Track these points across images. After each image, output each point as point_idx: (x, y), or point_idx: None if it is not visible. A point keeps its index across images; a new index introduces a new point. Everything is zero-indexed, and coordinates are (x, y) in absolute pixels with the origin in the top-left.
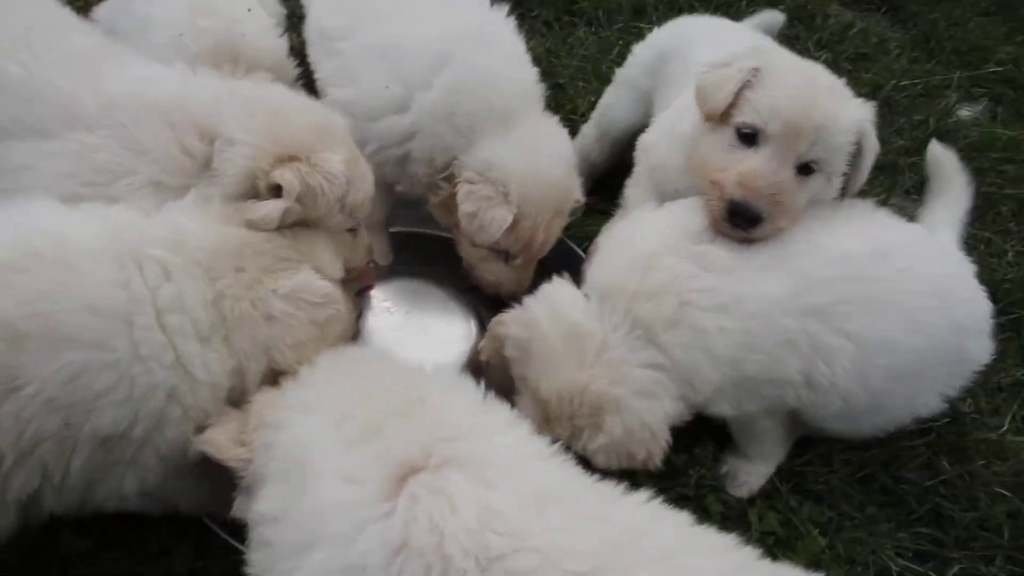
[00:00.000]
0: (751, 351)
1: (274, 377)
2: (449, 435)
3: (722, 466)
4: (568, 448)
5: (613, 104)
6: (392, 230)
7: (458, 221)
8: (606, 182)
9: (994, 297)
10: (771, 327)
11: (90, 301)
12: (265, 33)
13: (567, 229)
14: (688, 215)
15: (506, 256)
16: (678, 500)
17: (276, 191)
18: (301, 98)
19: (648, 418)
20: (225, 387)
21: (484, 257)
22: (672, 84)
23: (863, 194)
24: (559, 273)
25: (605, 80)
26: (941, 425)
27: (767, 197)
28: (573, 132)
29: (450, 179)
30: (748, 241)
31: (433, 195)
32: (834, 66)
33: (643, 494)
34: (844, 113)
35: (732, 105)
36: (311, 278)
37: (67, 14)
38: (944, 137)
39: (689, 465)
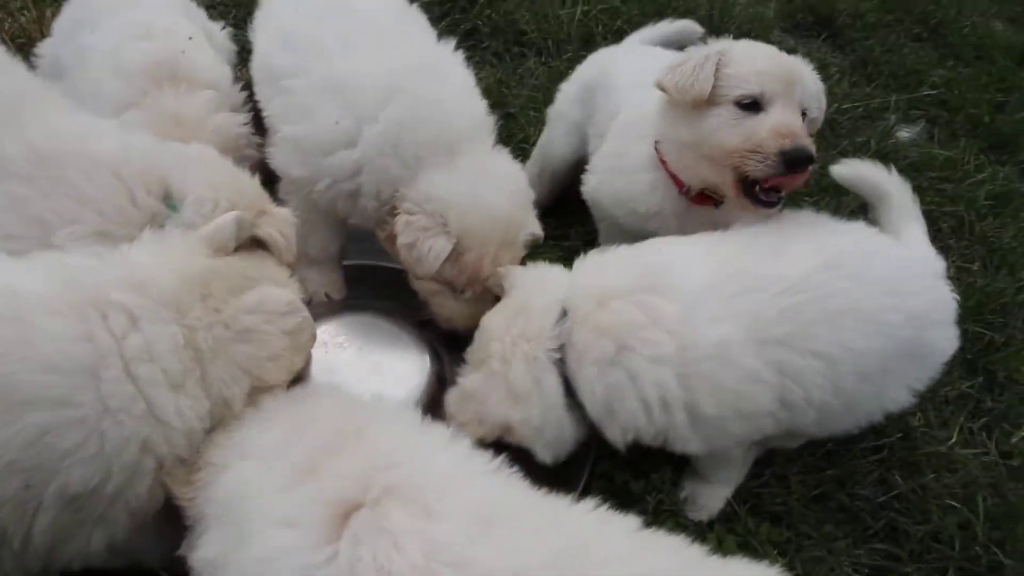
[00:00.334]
0: (706, 394)
1: None
2: (385, 463)
3: (681, 490)
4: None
5: (549, 141)
6: (346, 263)
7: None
8: (552, 212)
9: None
10: (729, 368)
11: (49, 359)
12: (206, 54)
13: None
14: (653, 259)
15: (458, 289)
16: None
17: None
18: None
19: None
20: (201, 431)
21: (435, 291)
22: (601, 111)
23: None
24: None
25: None
26: (893, 441)
27: (805, 139)
28: (524, 161)
29: (394, 212)
30: (774, 207)
31: (380, 230)
32: None
33: (589, 502)
34: (805, 66)
35: (714, 87)
36: (271, 289)
37: None
38: (885, 158)
39: (646, 491)
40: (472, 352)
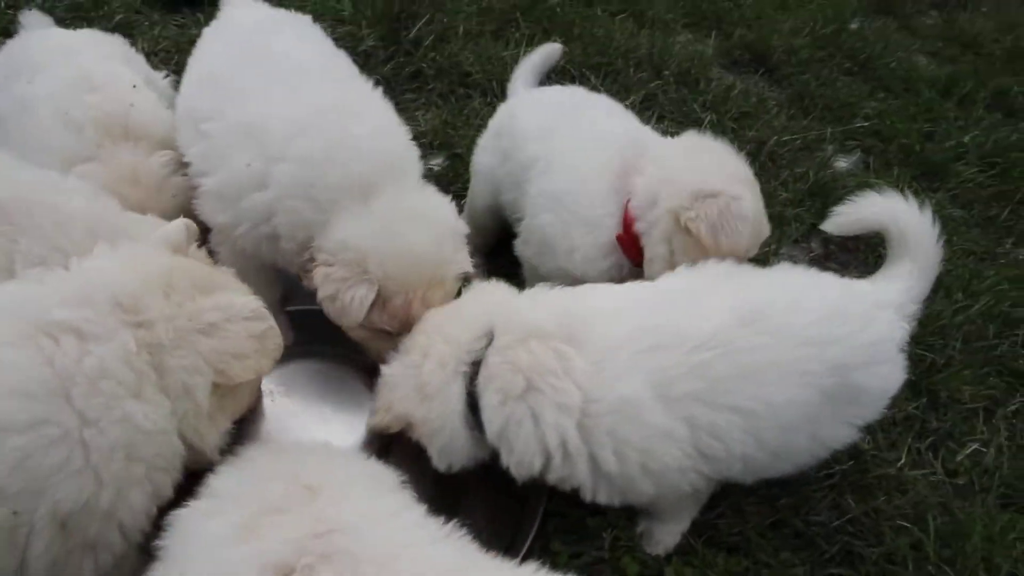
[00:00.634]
0: (607, 449)
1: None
2: (325, 530)
3: (638, 525)
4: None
5: (474, 195)
6: (289, 309)
7: None
8: (498, 251)
9: None
10: (633, 424)
11: (16, 386)
12: (153, 105)
13: None
14: (578, 307)
15: (393, 334)
16: (594, 563)
17: None
18: None
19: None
20: (172, 430)
21: (371, 337)
22: (509, 159)
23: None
24: None
25: None
26: (844, 466)
27: None
28: None
29: (313, 262)
30: None
31: (305, 280)
32: (719, 125)
33: (530, 567)
34: None
35: None
36: (237, 295)
37: None
38: (824, 187)
39: (602, 527)
40: (404, 341)
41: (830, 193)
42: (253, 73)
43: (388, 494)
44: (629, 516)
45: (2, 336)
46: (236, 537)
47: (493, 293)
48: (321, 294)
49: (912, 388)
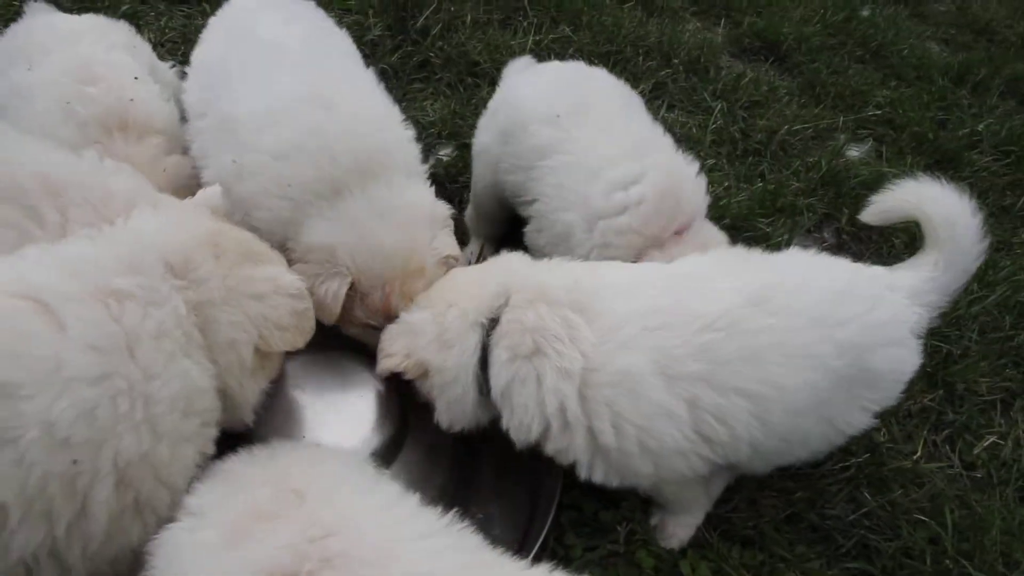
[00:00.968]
0: (606, 421)
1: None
2: (320, 534)
3: (652, 518)
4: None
5: (476, 176)
6: None
7: None
8: (509, 237)
9: None
10: (632, 398)
11: (88, 340)
12: (154, 98)
13: None
14: (591, 281)
15: (380, 327)
16: (608, 557)
17: None
18: None
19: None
20: (213, 392)
21: (361, 332)
22: (512, 139)
23: (767, 236)
24: None
25: None
26: (860, 459)
27: None
28: None
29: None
30: None
31: None
32: (730, 114)
33: (544, 567)
34: None
35: None
36: (283, 271)
37: None
38: (836, 177)
39: (616, 521)
40: (428, 294)
41: (842, 183)
42: (237, 62)
43: (376, 489)
44: (644, 510)
45: (73, 293)
46: (226, 543)
47: (514, 261)
48: None
49: (928, 380)
